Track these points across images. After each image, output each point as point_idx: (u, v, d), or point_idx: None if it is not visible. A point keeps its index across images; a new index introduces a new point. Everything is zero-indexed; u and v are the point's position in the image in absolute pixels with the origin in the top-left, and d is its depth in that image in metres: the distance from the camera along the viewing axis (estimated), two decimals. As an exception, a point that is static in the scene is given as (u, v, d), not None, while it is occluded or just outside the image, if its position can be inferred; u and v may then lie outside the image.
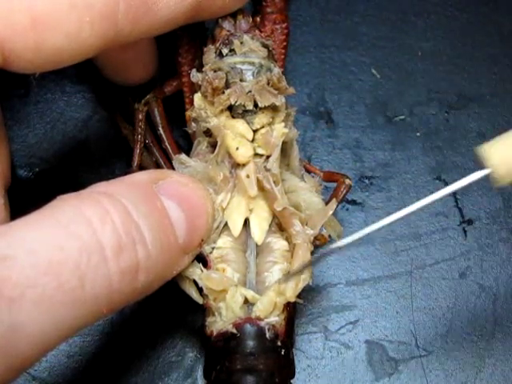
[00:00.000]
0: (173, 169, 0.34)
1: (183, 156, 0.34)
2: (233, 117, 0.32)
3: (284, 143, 0.33)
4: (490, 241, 0.39)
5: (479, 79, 0.42)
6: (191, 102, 0.34)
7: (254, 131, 0.32)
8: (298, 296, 0.31)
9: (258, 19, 0.36)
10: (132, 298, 0.27)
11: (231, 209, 0.32)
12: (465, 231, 0.39)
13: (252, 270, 0.32)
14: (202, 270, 0.31)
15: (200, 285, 0.31)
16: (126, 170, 0.35)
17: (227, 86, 0.32)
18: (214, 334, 0.31)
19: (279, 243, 0.32)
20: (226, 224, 0.32)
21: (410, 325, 0.37)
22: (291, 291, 0.31)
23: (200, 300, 0.32)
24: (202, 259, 0.31)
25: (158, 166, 0.36)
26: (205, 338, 0.32)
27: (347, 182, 0.35)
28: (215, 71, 0.32)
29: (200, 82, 0.32)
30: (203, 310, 0.32)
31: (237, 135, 0.32)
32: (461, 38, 0.42)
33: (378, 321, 0.37)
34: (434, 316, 0.38)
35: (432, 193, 0.29)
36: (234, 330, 0.31)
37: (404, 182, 0.40)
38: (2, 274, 0.23)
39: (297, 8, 0.42)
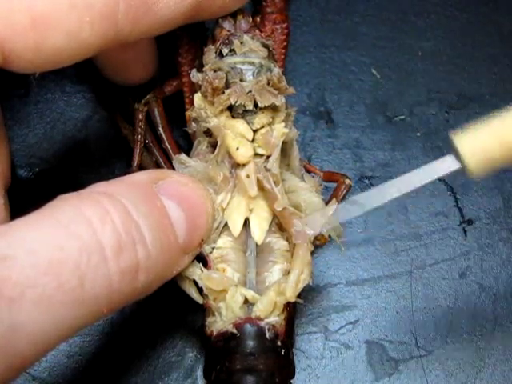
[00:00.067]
0: (173, 169, 0.34)
1: (183, 156, 0.34)
2: (233, 117, 0.32)
3: (284, 143, 0.33)
4: (490, 241, 0.39)
5: (479, 79, 0.42)
6: (191, 102, 0.34)
7: (254, 131, 0.32)
8: (298, 296, 0.31)
9: (258, 19, 0.36)
10: (132, 297, 0.27)
11: (231, 209, 0.32)
12: (465, 231, 0.39)
13: (252, 269, 0.32)
14: (201, 270, 0.31)
15: (200, 285, 0.31)
16: (126, 169, 0.35)
17: (227, 85, 0.32)
18: (214, 333, 0.31)
19: (279, 243, 0.32)
20: (226, 224, 0.32)
21: (410, 325, 0.37)
22: (291, 291, 0.31)
23: (200, 300, 0.32)
24: (202, 259, 0.31)
25: (158, 166, 0.36)
26: (205, 338, 0.32)
27: (347, 182, 0.35)
28: (215, 71, 0.32)
29: (200, 82, 0.32)
30: (203, 310, 0.32)
31: (237, 135, 0.32)
32: (461, 38, 0.42)
33: (378, 321, 0.37)
34: (434, 316, 0.38)
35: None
36: (234, 330, 0.31)
37: (404, 181, 0.40)
38: (2, 273, 0.23)
39: (297, 8, 0.42)
